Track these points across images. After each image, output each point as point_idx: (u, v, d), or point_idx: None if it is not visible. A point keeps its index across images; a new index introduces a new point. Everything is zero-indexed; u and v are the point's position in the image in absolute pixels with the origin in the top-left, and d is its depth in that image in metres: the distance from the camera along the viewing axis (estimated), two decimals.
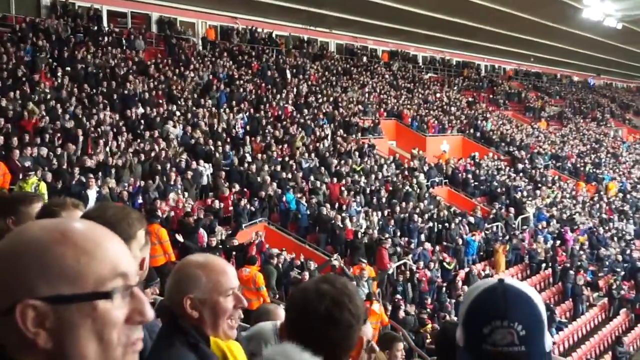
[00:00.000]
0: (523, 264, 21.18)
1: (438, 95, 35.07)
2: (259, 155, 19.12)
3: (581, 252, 22.71)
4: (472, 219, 21.47)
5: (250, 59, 27.52)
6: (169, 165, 15.97)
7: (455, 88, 38.26)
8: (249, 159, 18.64)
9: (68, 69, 19.51)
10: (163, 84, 21.54)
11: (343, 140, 23.10)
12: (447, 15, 34.65)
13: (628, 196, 31.03)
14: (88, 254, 0.94)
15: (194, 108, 20.66)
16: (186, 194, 15.40)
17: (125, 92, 19.44)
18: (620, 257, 23.07)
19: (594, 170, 33.08)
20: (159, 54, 24.93)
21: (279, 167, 18.67)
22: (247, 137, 20.10)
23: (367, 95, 30.07)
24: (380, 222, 18.43)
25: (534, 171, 29.27)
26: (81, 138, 15.50)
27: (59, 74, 18.95)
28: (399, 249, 17.28)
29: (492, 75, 45.26)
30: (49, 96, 17.35)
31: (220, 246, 13.34)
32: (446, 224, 20.06)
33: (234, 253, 13.21)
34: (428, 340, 13.32)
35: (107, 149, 15.62)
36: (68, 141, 15.13)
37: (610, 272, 22.52)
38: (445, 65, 42.16)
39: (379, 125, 27.09)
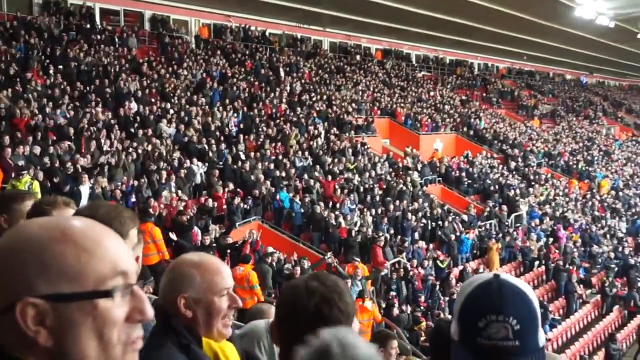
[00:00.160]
0: (516, 261, 21.27)
1: (431, 93, 35.13)
2: (253, 154, 19.10)
3: (574, 250, 22.82)
4: (465, 217, 21.53)
5: (244, 57, 27.49)
6: (162, 164, 15.93)
7: (449, 86, 38.34)
8: (242, 157, 18.62)
9: (60, 66, 19.42)
10: (156, 82, 21.48)
11: (336, 139, 23.10)
12: (441, 13, 34.76)
13: (620, 194, 31.18)
14: (88, 252, 0.94)
15: (187, 106, 20.61)
16: (180, 192, 15.37)
17: (118, 90, 19.38)
18: (612, 255, 23.20)
19: (587, 168, 33.25)
20: (151, 52, 24.86)
21: (272, 166, 18.66)
22: (241, 136, 20.08)
23: (360, 93, 30.09)
24: (374, 220, 18.45)
25: (527, 169, 29.38)
26: (74, 136, 15.45)
27: (51, 71, 18.87)
28: (393, 247, 17.32)
29: (485, 74, 45.37)
30: (41, 94, 17.28)
31: (214, 244, 13.33)
32: (440, 222, 20.11)
33: (228, 251, 13.19)
34: (422, 338, 13.35)
35: (101, 147, 15.56)
36: (61, 139, 15.07)
37: (603, 269, 22.64)
38: (439, 64, 42.23)
39: (373, 124, 27.12)
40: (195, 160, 17.01)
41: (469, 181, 25.57)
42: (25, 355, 0.92)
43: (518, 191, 25.93)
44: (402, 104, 31.01)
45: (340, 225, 16.95)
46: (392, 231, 18.27)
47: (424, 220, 19.83)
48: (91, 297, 0.93)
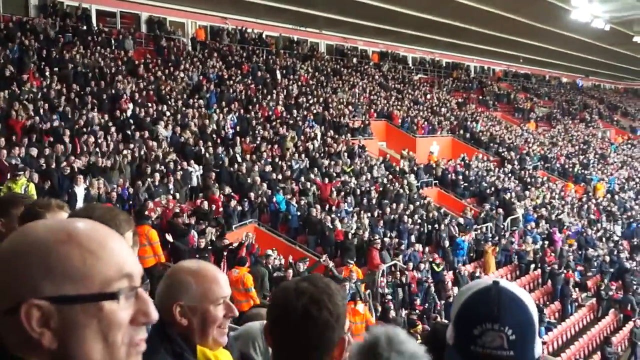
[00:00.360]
0: (512, 264, 21.26)
1: (428, 96, 35.18)
2: (249, 156, 19.08)
3: (569, 253, 22.83)
4: (461, 220, 21.54)
5: (241, 60, 27.47)
6: (158, 166, 15.89)
7: (445, 89, 38.40)
8: (239, 159, 18.59)
9: (56, 68, 19.37)
10: (152, 84, 21.44)
11: (333, 141, 23.09)
12: (436, 16, 34.80)
13: (616, 197, 31.23)
14: (94, 254, 0.94)
15: (184, 109, 20.58)
16: (177, 195, 15.34)
17: (115, 92, 19.34)
18: (608, 258, 23.21)
19: (583, 171, 33.30)
20: (148, 54, 24.82)
21: (269, 168, 18.63)
22: (237, 138, 20.05)
23: (357, 96, 30.10)
24: (371, 223, 18.43)
25: (523, 172, 29.41)
26: (69, 139, 15.40)
27: (47, 73, 18.82)
28: (390, 250, 17.29)
29: (481, 77, 45.45)
30: (37, 96, 17.23)
31: (210, 247, 13.30)
32: (436, 225, 20.11)
33: (225, 254, 13.17)
34: (418, 342, 13.31)
35: (97, 149, 15.52)
36: (57, 141, 15.03)
37: (599, 272, 22.66)
38: (435, 66, 42.29)
39: (369, 126, 27.12)
40: (192, 162, 16.99)
41: (465, 184, 25.59)
42: (28, 356, 0.92)
43: (514, 194, 25.96)
44: (398, 107, 31.04)
45: (336, 228, 16.93)
46: (388, 234, 18.25)
47: (419, 221, 19.82)
48: (96, 300, 0.93)
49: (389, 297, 15.07)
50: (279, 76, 27.41)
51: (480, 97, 39.91)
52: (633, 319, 19.91)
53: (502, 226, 22.76)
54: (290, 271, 13.53)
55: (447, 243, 19.28)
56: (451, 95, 37.50)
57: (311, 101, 26.28)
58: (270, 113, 23.41)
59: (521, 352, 1.24)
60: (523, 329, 1.25)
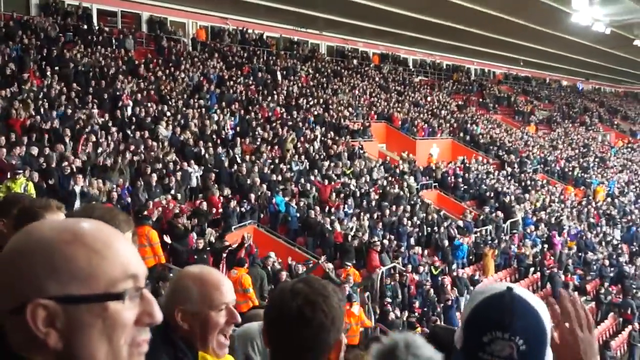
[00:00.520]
0: (511, 268, 21.24)
1: (428, 98, 35.16)
2: (249, 157, 19.04)
3: (569, 257, 22.81)
4: (461, 223, 21.51)
5: (241, 60, 27.45)
6: (158, 167, 15.86)
7: (445, 91, 38.38)
8: (239, 160, 18.57)
9: (57, 67, 19.35)
10: (153, 84, 21.42)
11: (333, 143, 23.06)
12: (437, 18, 34.79)
13: (616, 201, 31.21)
14: (99, 254, 0.95)
15: (184, 109, 20.56)
16: (178, 195, 15.31)
17: (115, 91, 19.31)
18: (607, 262, 23.19)
19: (582, 174, 33.28)
20: (149, 54, 24.80)
21: (268, 169, 18.60)
22: (237, 139, 20.02)
23: (357, 97, 30.08)
24: (370, 225, 18.41)
25: (522, 175, 29.39)
26: (70, 138, 15.37)
27: (48, 72, 18.80)
28: (389, 252, 17.27)
29: (481, 79, 45.44)
30: (38, 95, 17.20)
31: (209, 248, 13.27)
32: (435, 228, 20.08)
33: (224, 255, 13.14)
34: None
35: (96, 149, 15.50)
36: (57, 141, 15.00)
37: (598, 276, 22.63)
38: (436, 69, 42.27)
39: (369, 128, 27.10)
40: (192, 162, 16.96)
41: (465, 187, 25.57)
42: (33, 356, 0.92)
43: (514, 197, 25.94)
44: (398, 109, 31.02)
45: (336, 230, 16.90)
46: (388, 236, 18.22)
47: (418, 223, 19.79)
48: (102, 300, 0.93)
49: (388, 299, 15.04)
50: (279, 77, 27.39)
51: (481, 100, 39.89)
52: (632, 323, 19.89)
53: (501, 229, 22.74)
54: (284, 273, 13.45)
55: (446, 245, 19.25)
56: (451, 98, 37.47)
57: (311, 102, 26.26)
58: (270, 114, 23.39)
59: None
60: (535, 340, 1.20)
